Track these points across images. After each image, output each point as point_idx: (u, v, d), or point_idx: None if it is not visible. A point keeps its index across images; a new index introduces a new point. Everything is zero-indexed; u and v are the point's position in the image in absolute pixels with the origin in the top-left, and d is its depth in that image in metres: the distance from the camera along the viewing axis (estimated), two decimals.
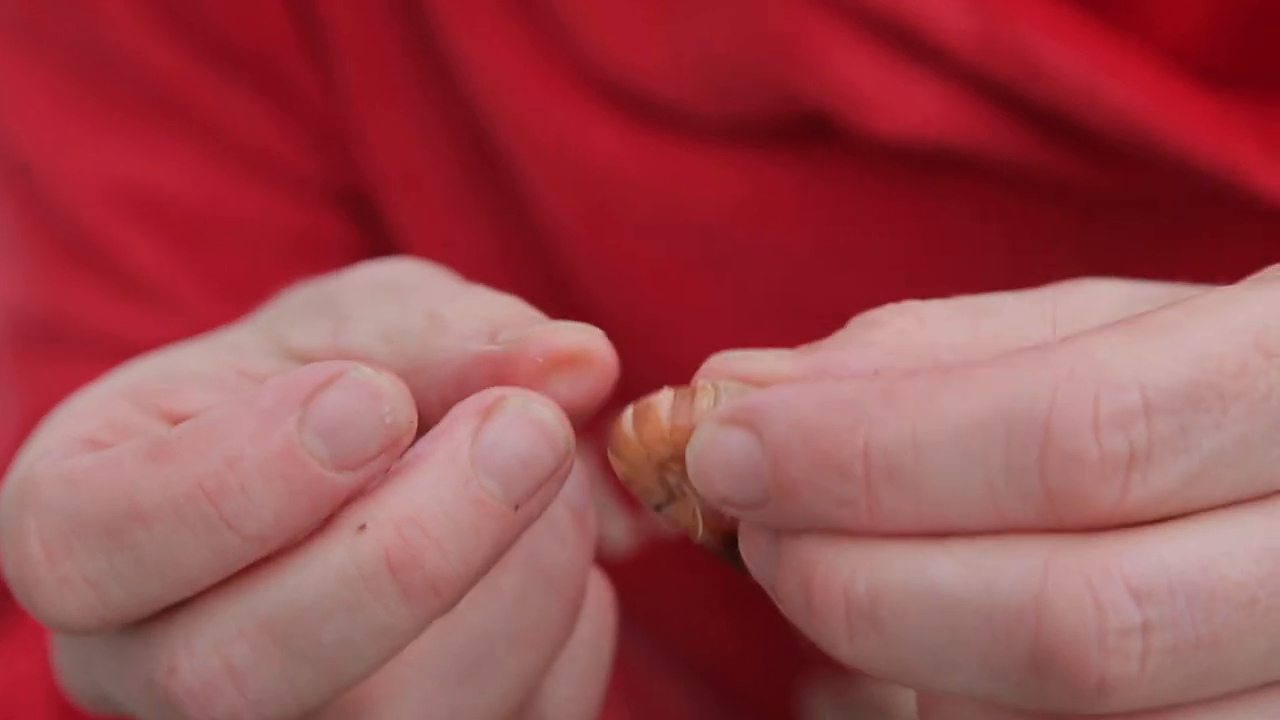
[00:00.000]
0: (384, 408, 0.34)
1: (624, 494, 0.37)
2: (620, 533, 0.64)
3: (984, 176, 0.54)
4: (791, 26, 0.53)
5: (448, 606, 0.35)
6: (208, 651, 0.34)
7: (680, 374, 0.59)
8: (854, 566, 0.31)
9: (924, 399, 0.31)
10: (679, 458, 0.34)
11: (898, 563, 0.31)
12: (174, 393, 0.39)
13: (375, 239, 0.64)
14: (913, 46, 0.52)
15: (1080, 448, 0.30)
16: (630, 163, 0.57)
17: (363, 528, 0.34)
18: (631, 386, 0.61)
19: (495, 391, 0.35)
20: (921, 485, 0.31)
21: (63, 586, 0.34)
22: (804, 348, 0.35)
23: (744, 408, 0.32)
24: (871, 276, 0.57)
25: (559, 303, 0.62)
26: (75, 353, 0.62)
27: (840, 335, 0.35)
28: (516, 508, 0.35)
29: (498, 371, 0.37)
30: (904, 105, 0.53)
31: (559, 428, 0.35)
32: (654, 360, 0.60)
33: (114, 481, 0.34)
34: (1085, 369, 0.30)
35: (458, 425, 0.35)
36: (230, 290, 0.61)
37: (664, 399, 0.35)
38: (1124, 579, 0.30)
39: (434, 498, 0.34)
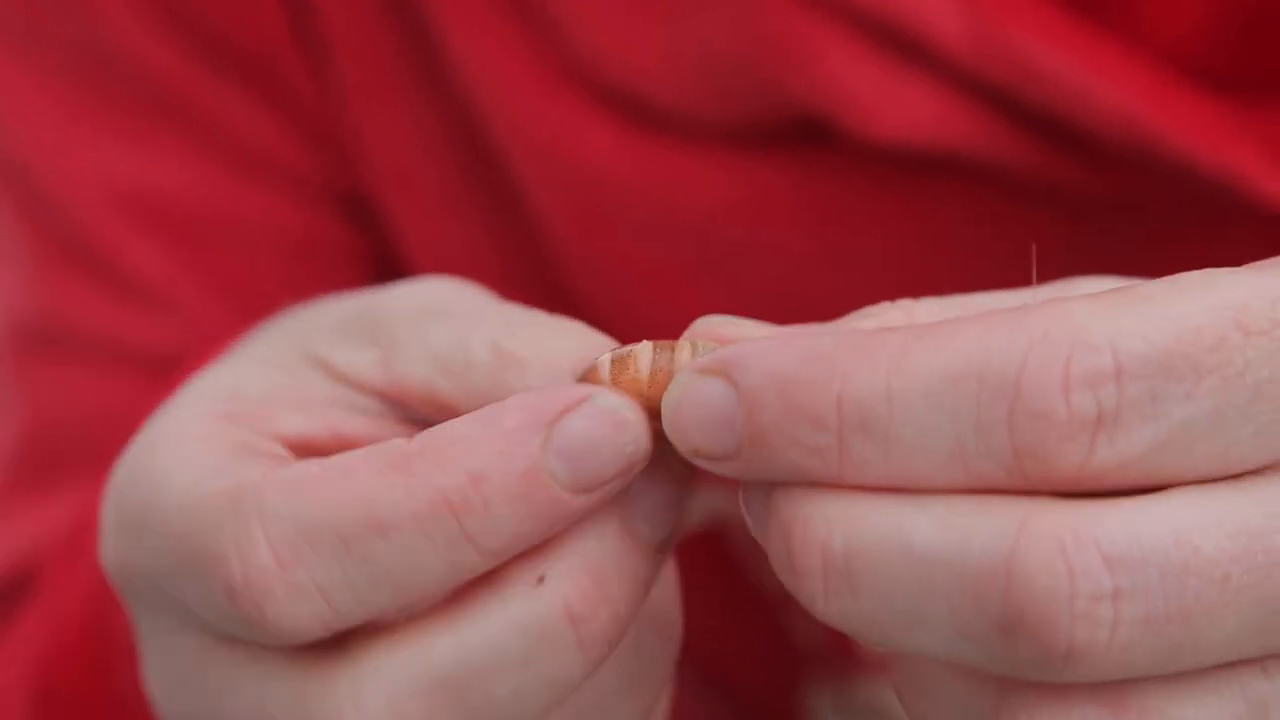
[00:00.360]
0: (626, 436, 0.34)
1: None
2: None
3: (979, 179, 0.55)
4: (786, 29, 0.53)
5: (611, 654, 0.35)
6: (385, 702, 0.35)
7: None
8: (832, 522, 0.31)
9: (899, 352, 0.31)
10: (654, 411, 0.35)
11: (874, 519, 0.31)
12: (271, 417, 0.39)
13: (373, 240, 0.64)
14: (907, 50, 0.52)
15: (1048, 406, 0.30)
16: (625, 164, 0.57)
17: (541, 579, 0.35)
18: None
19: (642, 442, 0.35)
20: (892, 437, 0.31)
21: (294, 594, 0.34)
22: (791, 326, 0.36)
23: (721, 357, 0.33)
24: (866, 278, 0.58)
25: (554, 304, 0.62)
26: (74, 355, 0.62)
27: (831, 325, 0.36)
28: (660, 549, 0.36)
29: None
30: (899, 108, 0.53)
31: (690, 475, 0.36)
32: None
33: (351, 489, 0.34)
34: (1060, 330, 0.31)
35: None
36: (229, 291, 0.62)
37: (644, 350, 0.36)
38: (1097, 545, 0.30)
39: (602, 546, 0.35)
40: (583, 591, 0.35)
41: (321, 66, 0.61)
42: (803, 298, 0.58)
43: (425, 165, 0.61)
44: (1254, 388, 0.31)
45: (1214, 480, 0.31)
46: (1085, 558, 0.30)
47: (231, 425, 0.38)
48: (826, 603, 0.32)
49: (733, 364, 0.32)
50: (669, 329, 0.59)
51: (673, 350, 0.36)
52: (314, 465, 0.35)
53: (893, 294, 0.57)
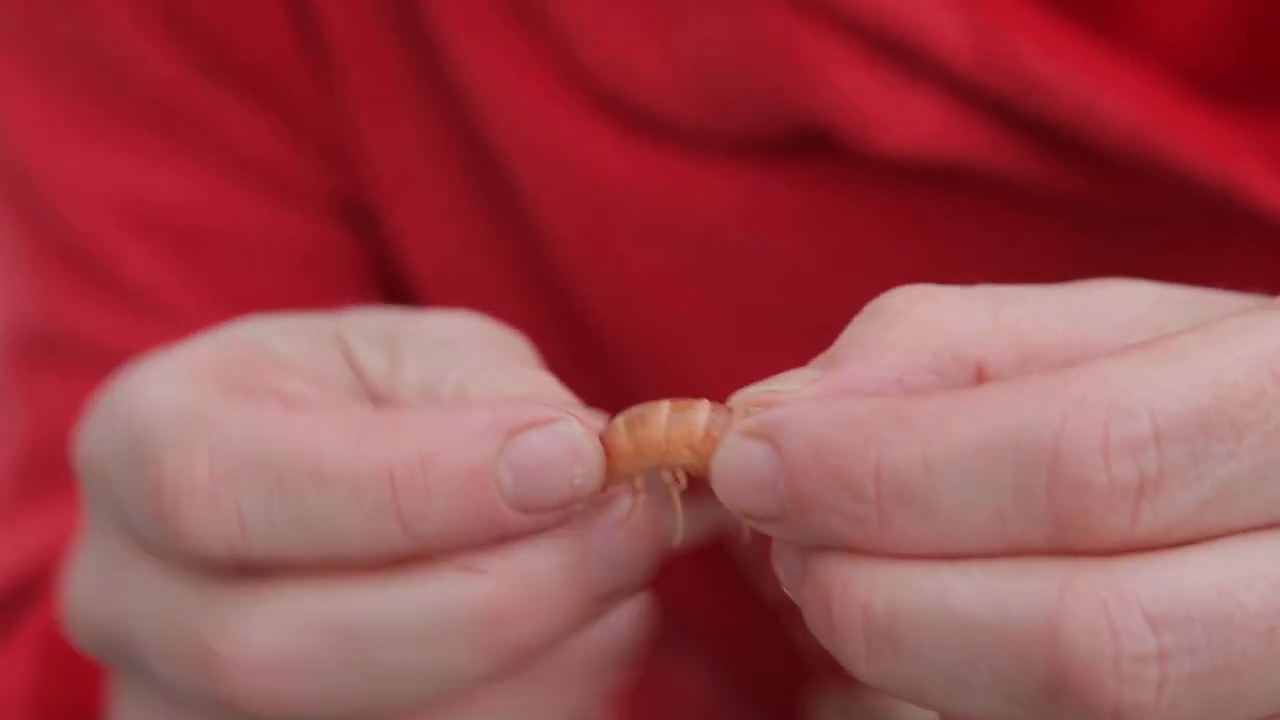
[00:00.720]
0: (577, 469, 0.35)
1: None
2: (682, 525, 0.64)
3: (982, 190, 0.54)
4: (788, 41, 0.53)
5: (514, 670, 0.36)
6: (274, 631, 0.35)
7: (677, 381, 0.60)
8: (873, 584, 0.32)
9: (936, 421, 0.31)
10: (665, 465, 0.36)
11: (915, 583, 0.31)
12: (279, 375, 0.39)
13: (375, 250, 0.64)
14: (910, 61, 0.52)
15: (1088, 474, 0.30)
16: (627, 171, 0.57)
17: (477, 570, 0.35)
18: (629, 394, 0.62)
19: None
20: (931, 506, 0.31)
21: (214, 506, 0.35)
22: (822, 358, 0.36)
23: (766, 421, 0.33)
24: (869, 287, 0.57)
25: (555, 310, 0.62)
26: (75, 365, 0.62)
27: (856, 331, 0.36)
28: (602, 600, 0.36)
29: None
30: (902, 120, 0.53)
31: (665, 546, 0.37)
32: (652, 369, 0.60)
33: (305, 435, 0.35)
34: (1097, 394, 0.30)
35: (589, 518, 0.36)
36: (230, 301, 0.62)
37: (662, 408, 0.36)
38: (1140, 605, 0.30)
39: (551, 567, 0.35)
40: (513, 597, 0.35)
41: (323, 73, 0.61)
42: (805, 305, 0.58)
43: (427, 172, 0.61)
44: None
45: (1256, 529, 0.31)
46: (1129, 618, 0.30)
47: (238, 367, 0.38)
48: (869, 665, 0.32)
49: (776, 428, 0.33)
50: (671, 335, 0.59)
51: (689, 410, 0.36)
52: (281, 409, 0.36)
53: None
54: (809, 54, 0.53)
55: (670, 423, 0.36)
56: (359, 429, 0.35)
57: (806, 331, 0.58)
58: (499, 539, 0.35)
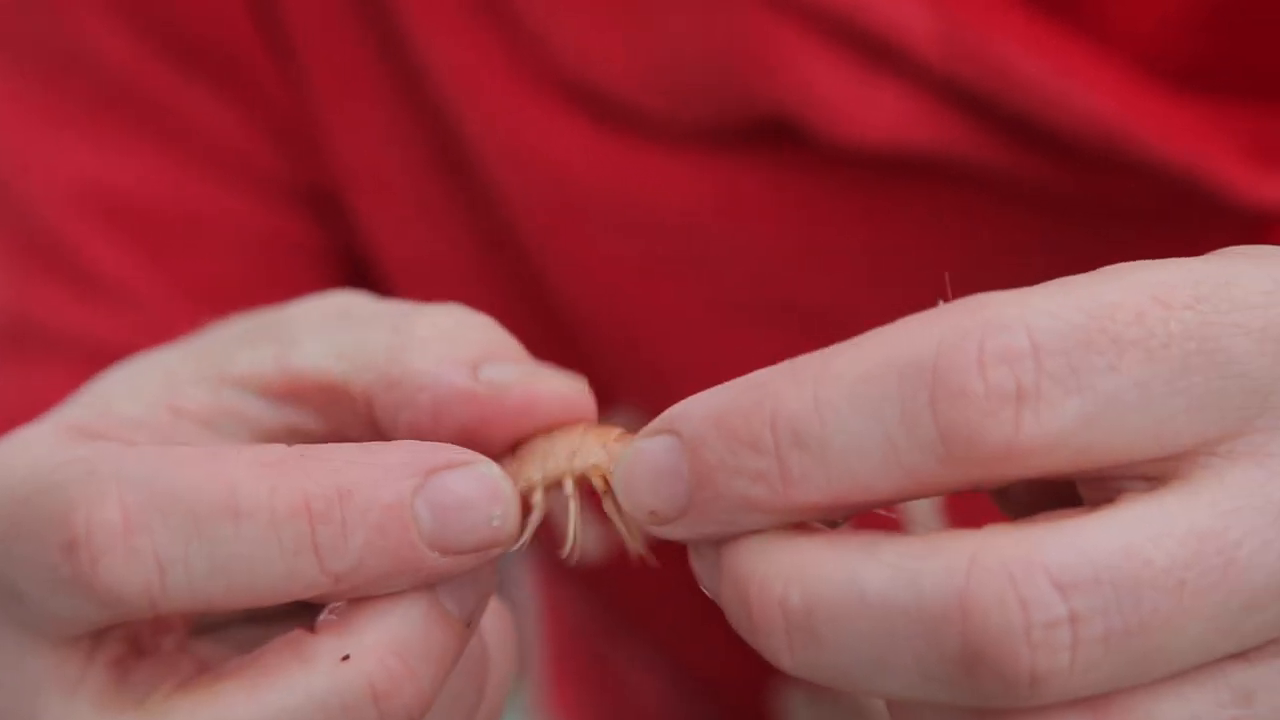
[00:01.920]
0: (495, 510, 0.35)
1: (595, 500, 0.38)
2: (592, 539, 0.64)
3: (953, 180, 0.55)
4: (756, 32, 0.53)
5: None
6: None
7: (651, 371, 0.59)
8: (787, 578, 0.32)
9: (821, 364, 0.32)
10: (573, 467, 0.36)
11: (827, 572, 0.32)
12: (112, 436, 0.39)
13: (343, 239, 0.63)
14: (877, 52, 0.53)
15: (965, 383, 0.31)
16: (597, 164, 0.58)
17: (346, 658, 0.34)
18: (606, 386, 0.62)
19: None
20: (825, 444, 0.32)
21: (131, 559, 0.34)
22: None
23: (665, 416, 0.34)
24: (841, 278, 0.58)
25: (529, 303, 0.61)
26: (41, 354, 0.62)
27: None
28: (469, 624, 0.36)
29: (479, 412, 0.38)
30: (869, 111, 0.53)
31: (520, 544, 0.37)
32: (625, 359, 0.60)
33: (217, 472, 0.34)
34: (973, 317, 0.31)
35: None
36: (195, 290, 0.62)
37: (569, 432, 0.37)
38: (1047, 572, 0.30)
39: (408, 623, 0.35)
40: (387, 670, 0.35)
41: (286, 62, 0.61)
42: (779, 297, 0.58)
43: (396, 165, 0.61)
44: (1181, 359, 0.32)
45: (1154, 461, 0.32)
46: (1036, 586, 0.30)
47: (85, 433, 0.38)
48: (794, 658, 0.32)
49: (675, 418, 0.33)
50: (646, 327, 0.59)
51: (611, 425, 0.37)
52: (186, 447, 0.35)
53: (868, 294, 0.57)
54: (778, 46, 0.53)
55: (584, 434, 0.37)
56: (273, 463, 0.34)
57: (779, 321, 0.58)
58: (416, 581, 0.35)
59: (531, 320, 0.62)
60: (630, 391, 0.61)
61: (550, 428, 0.38)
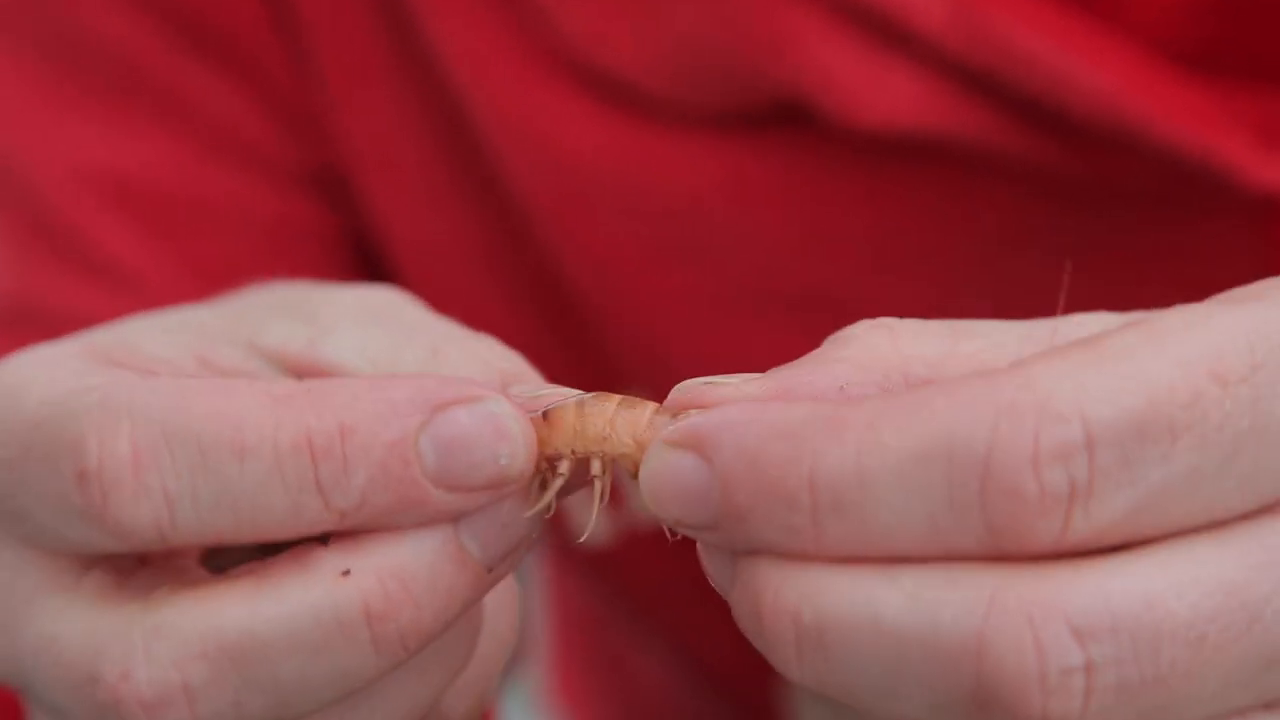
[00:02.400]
0: (504, 449, 0.35)
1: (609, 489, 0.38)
2: (600, 525, 0.64)
3: (962, 163, 0.55)
4: (767, 15, 0.53)
5: (409, 658, 0.35)
6: (166, 665, 0.34)
7: (658, 354, 0.59)
8: (802, 594, 0.32)
9: (868, 429, 0.31)
10: (602, 451, 0.36)
11: (844, 593, 0.31)
12: (131, 367, 0.39)
13: (352, 222, 0.63)
14: (888, 35, 0.53)
15: (1019, 483, 0.30)
16: (605, 149, 0.58)
17: (346, 573, 0.34)
18: (614, 369, 0.61)
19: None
20: (866, 517, 0.31)
21: (139, 494, 0.34)
22: (773, 370, 0.35)
23: (693, 432, 0.33)
24: (849, 262, 0.57)
25: (536, 286, 0.61)
26: (45, 335, 0.61)
27: (813, 355, 0.35)
28: (490, 570, 0.36)
29: None
30: (880, 93, 0.53)
31: (540, 507, 0.36)
32: (632, 342, 0.60)
33: (225, 407, 0.34)
34: (1027, 399, 0.30)
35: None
36: (201, 273, 0.62)
37: (614, 397, 0.36)
38: (1066, 617, 0.30)
39: (418, 553, 0.35)
40: (386, 593, 0.34)
41: (296, 48, 0.61)
42: (787, 281, 0.58)
43: (405, 149, 0.61)
44: (1233, 440, 0.31)
45: (1193, 531, 0.31)
46: (1054, 631, 0.30)
47: (104, 359, 0.38)
48: (800, 670, 0.32)
49: (705, 440, 0.32)
50: (654, 311, 0.59)
51: (641, 406, 0.36)
52: (196, 379, 0.35)
53: (876, 278, 0.57)
54: (790, 28, 0.53)
55: (618, 409, 0.36)
56: (279, 398, 0.34)
57: (786, 306, 0.58)
58: (425, 518, 0.35)
59: (537, 302, 0.62)
60: (638, 374, 0.61)
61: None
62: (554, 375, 0.66)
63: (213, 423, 0.34)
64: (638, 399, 0.36)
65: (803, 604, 0.31)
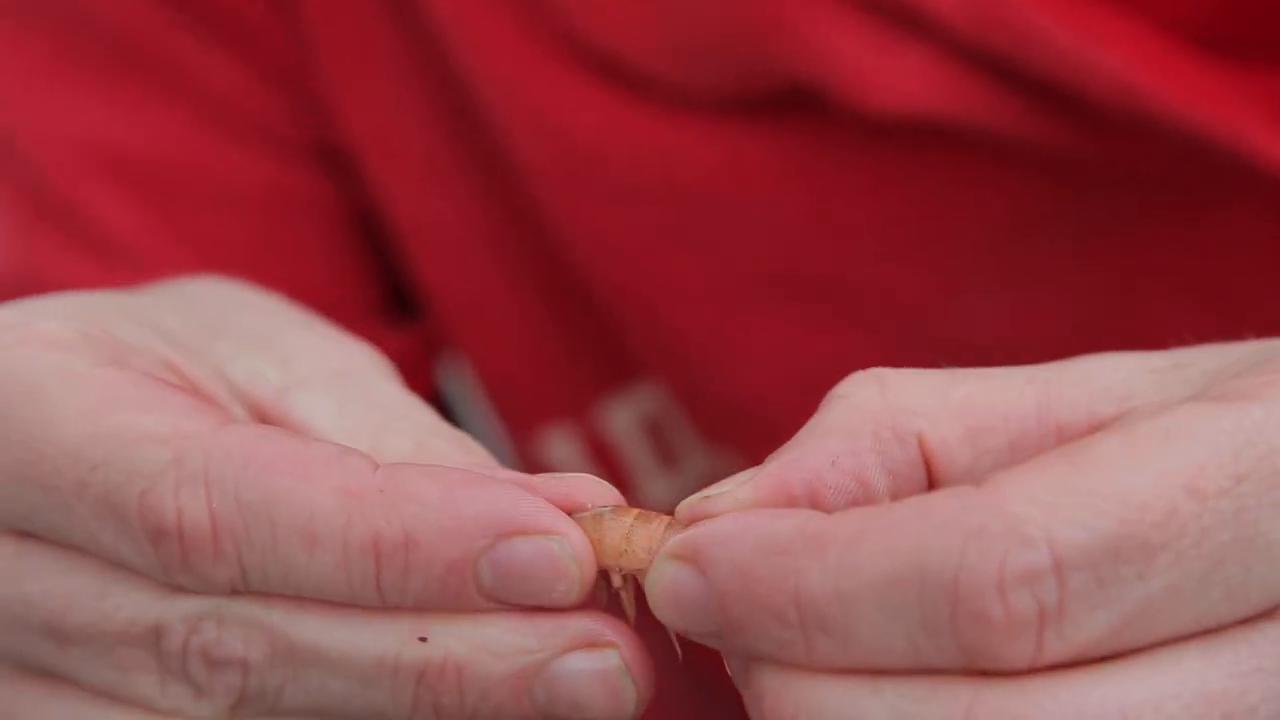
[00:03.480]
0: (560, 586, 0.36)
1: None
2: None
3: (976, 149, 0.55)
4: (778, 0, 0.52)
5: None
6: (237, 635, 0.36)
7: (668, 341, 0.59)
8: (796, 701, 0.33)
9: (845, 550, 0.32)
10: (619, 566, 0.37)
11: (833, 701, 0.32)
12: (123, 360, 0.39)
13: (354, 197, 0.63)
14: (899, 17, 0.53)
15: (985, 607, 0.31)
16: (612, 132, 0.58)
17: (423, 639, 0.36)
18: (617, 351, 0.61)
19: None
20: (849, 634, 0.32)
21: (218, 559, 0.36)
22: (769, 459, 0.36)
23: (689, 544, 0.34)
24: (857, 247, 0.57)
25: (544, 270, 0.61)
26: None
27: (807, 425, 0.36)
28: (546, 718, 0.37)
29: None
30: (894, 79, 0.53)
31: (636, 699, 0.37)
32: (643, 328, 0.60)
33: (301, 492, 0.35)
34: (996, 524, 0.31)
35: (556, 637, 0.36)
36: (203, 246, 0.62)
37: (630, 512, 0.37)
38: None
39: (489, 666, 0.36)
40: (443, 674, 0.36)
41: (296, 26, 0.60)
42: (796, 267, 0.58)
43: (408, 130, 0.62)
44: (1214, 554, 0.31)
45: (1187, 639, 0.31)
46: None
47: (111, 360, 0.38)
48: None
49: (699, 553, 0.34)
50: (661, 296, 0.59)
51: (654, 520, 0.37)
52: (271, 442, 0.36)
53: (882, 262, 0.56)
54: (801, 12, 0.53)
55: (634, 523, 0.37)
56: (356, 492, 0.35)
57: (794, 291, 0.58)
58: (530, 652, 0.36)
59: (543, 287, 0.62)
60: (646, 358, 0.61)
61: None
62: (558, 359, 0.65)
63: (286, 508, 0.35)
64: (653, 513, 0.37)
65: (798, 711, 0.33)
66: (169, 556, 0.36)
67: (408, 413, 0.41)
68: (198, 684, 0.36)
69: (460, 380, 0.67)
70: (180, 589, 0.36)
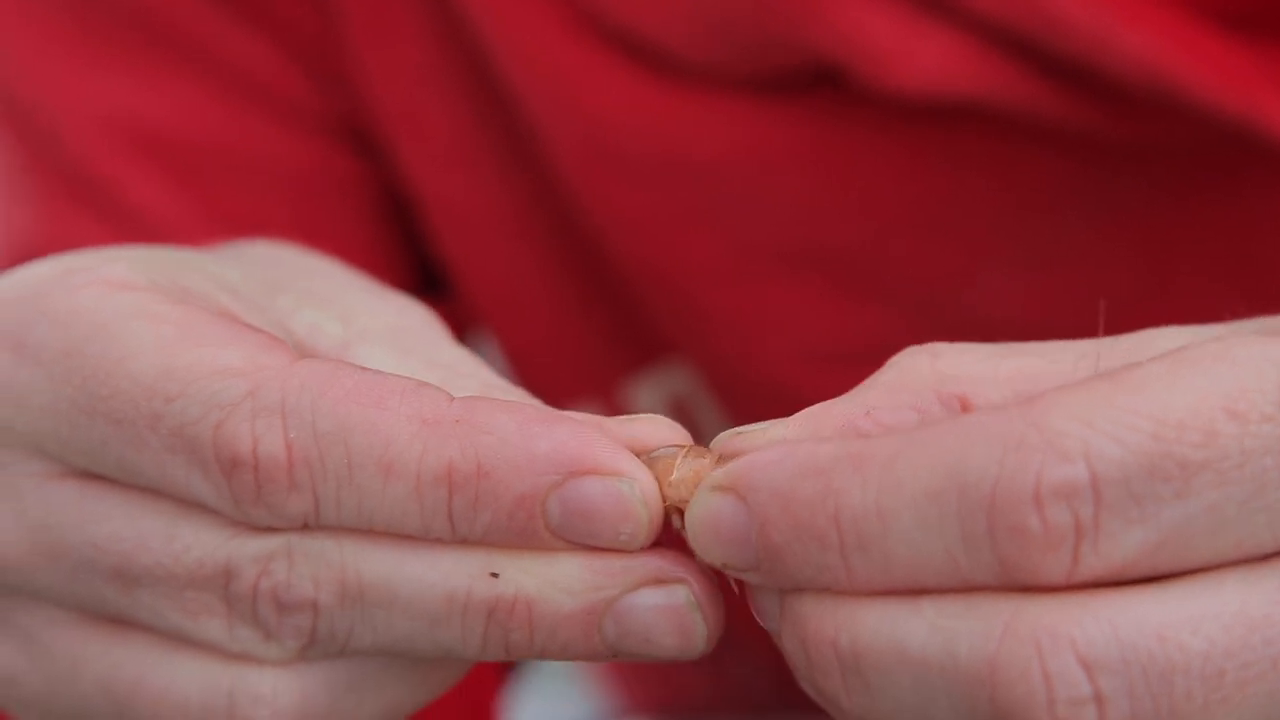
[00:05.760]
0: (625, 528, 0.36)
1: None
2: None
3: (997, 128, 0.56)
4: None
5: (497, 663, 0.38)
6: (306, 576, 0.37)
7: (693, 318, 0.59)
8: (838, 624, 0.33)
9: (885, 466, 0.32)
10: (678, 507, 0.37)
11: (873, 622, 0.33)
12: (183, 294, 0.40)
13: (383, 174, 0.64)
14: None
15: (1022, 520, 0.31)
16: (638, 110, 0.59)
17: (495, 575, 0.36)
18: (648, 331, 0.61)
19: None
20: (889, 552, 0.32)
21: (292, 490, 0.36)
22: (806, 409, 0.37)
23: (731, 473, 0.34)
24: (881, 225, 0.58)
25: (570, 248, 0.61)
26: None
27: (857, 387, 0.37)
28: (616, 655, 0.37)
29: None
30: (917, 57, 0.54)
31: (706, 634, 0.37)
32: (668, 306, 0.60)
33: (378, 421, 0.36)
34: (1034, 437, 0.31)
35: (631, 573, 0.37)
36: (229, 221, 0.63)
37: (678, 452, 0.38)
38: (1074, 648, 0.31)
39: (559, 600, 0.36)
40: (514, 610, 0.36)
41: (324, 5, 0.61)
42: (816, 244, 0.59)
43: (435, 108, 0.63)
44: (1257, 478, 0.31)
45: (1226, 566, 0.32)
46: (1062, 662, 0.31)
47: (179, 301, 0.39)
48: (848, 701, 0.33)
49: (741, 481, 0.34)
50: (685, 274, 0.59)
51: (702, 455, 0.37)
52: (347, 374, 0.37)
53: (904, 240, 0.57)
54: None
55: (684, 459, 0.37)
56: (432, 421, 0.36)
57: (817, 269, 0.59)
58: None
59: (570, 265, 0.63)
60: (671, 336, 0.61)
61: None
62: (585, 338, 0.66)
63: (363, 437, 0.36)
64: (705, 449, 0.38)
65: (839, 634, 0.33)
66: (243, 488, 0.36)
67: (469, 369, 0.41)
68: (267, 627, 0.37)
69: (487, 359, 0.68)
70: (250, 527, 0.37)
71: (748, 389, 0.61)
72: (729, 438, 0.37)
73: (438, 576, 0.36)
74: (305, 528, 0.37)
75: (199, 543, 0.37)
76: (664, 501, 0.37)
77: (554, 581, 0.36)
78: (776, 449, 0.34)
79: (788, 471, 0.33)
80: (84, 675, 0.39)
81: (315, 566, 0.37)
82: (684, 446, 0.38)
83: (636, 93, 0.58)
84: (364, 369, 0.37)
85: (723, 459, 0.36)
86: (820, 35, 0.54)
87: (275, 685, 0.37)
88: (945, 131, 0.56)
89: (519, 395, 0.41)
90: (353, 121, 0.64)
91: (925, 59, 0.53)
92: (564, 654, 0.37)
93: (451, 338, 0.43)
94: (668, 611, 0.36)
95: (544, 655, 0.37)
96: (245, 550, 0.37)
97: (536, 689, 0.88)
